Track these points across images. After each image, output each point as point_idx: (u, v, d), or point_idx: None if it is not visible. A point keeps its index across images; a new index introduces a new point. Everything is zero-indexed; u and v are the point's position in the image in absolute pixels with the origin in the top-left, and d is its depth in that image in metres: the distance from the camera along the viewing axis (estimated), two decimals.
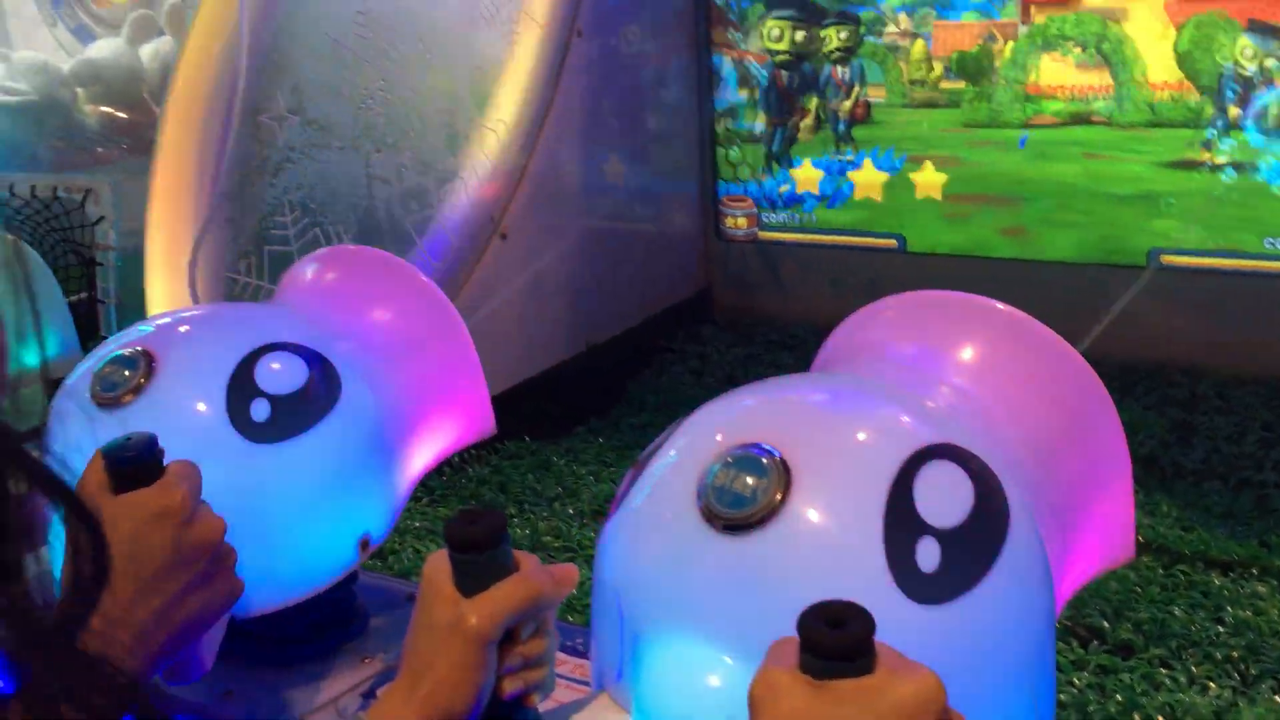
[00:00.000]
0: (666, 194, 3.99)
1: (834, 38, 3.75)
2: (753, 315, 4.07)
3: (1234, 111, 3.24)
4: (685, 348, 3.97)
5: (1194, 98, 3.28)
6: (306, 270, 1.41)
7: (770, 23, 3.82)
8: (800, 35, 3.77)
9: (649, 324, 3.94)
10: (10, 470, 0.51)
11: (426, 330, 1.34)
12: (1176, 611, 2.39)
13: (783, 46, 3.81)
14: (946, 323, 1.03)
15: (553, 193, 3.47)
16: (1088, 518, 0.99)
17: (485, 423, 1.36)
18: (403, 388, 1.32)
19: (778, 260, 4.05)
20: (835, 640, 0.63)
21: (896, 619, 0.77)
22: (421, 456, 1.37)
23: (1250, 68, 3.18)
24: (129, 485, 0.87)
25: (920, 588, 0.79)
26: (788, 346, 3.86)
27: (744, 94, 3.93)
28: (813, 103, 3.84)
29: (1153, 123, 3.34)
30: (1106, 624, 2.35)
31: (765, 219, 4.00)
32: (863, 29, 3.70)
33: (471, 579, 0.85)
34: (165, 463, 0.90)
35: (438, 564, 0.85)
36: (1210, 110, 3.26)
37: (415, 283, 1.34)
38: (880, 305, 1.07)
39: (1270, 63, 3.16)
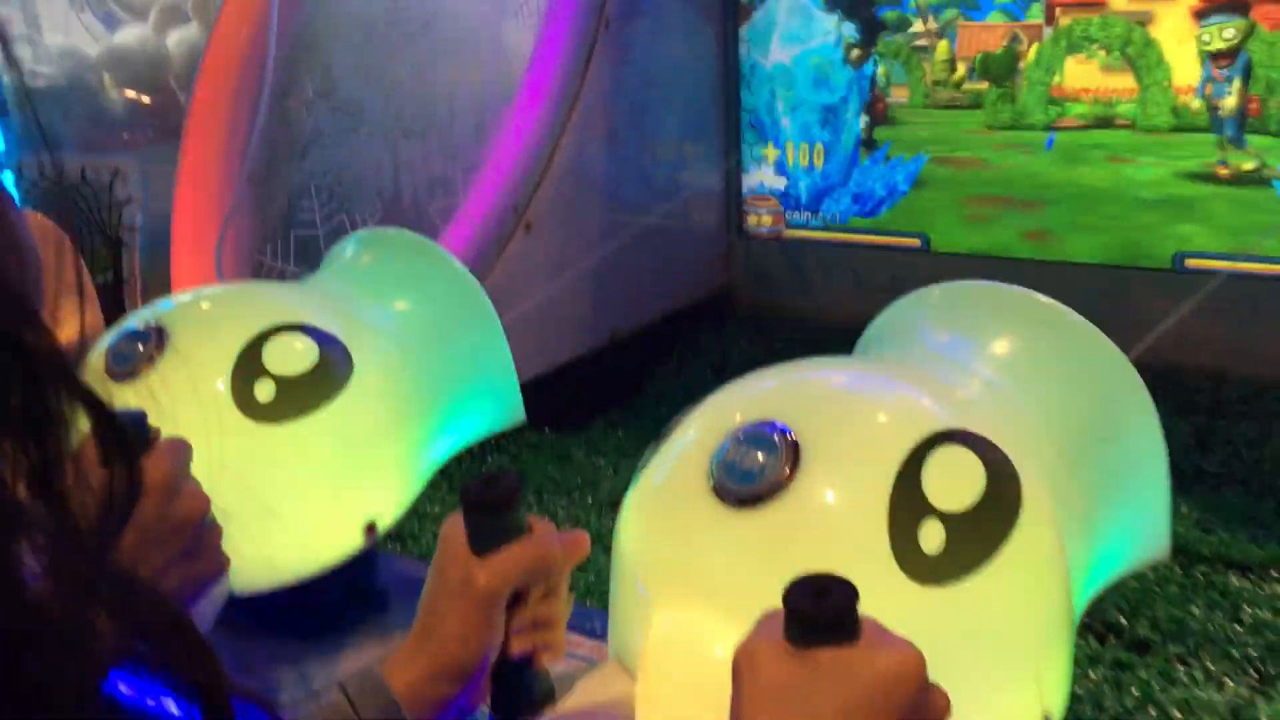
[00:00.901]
0: (690, 189, 3.99)
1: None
2: (774, 313, 4.06)
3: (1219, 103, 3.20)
4: (707, 343, 3.96)
5: None
6: (346, 250, 1.42)
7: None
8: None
9: (671, 318, 3.94)
10: (59, 388, 0.51)
11: (458, 317, 1.34)
12: (1195, 610, 2.37)
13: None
14: (985, 313, 1.04)
15: (578, 185, 3.47)
16: (1118, 515, 0.99)
17: (515, 412, 1.36)
18: (429, 373, 1.32)
19: (800, 258, 4.03)
20: (817, 610, 0.63)
21: (895, 597, 0.78)
22: (445, 443, 1.37)
23: (1215, 48, 3.16)
24: None
25: (921, 568, 0.79)
26: (809, 344, 3.82)
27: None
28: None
29: (1176, 127, 3.30)
30: (1124, 620, 2.34)
31: (791, 218, 3.98)
32: (886, 30, 3.65)
33: (484, 539, 0.87)
34: (163, 438, 0.90)
35: (454, 524, 0.90)
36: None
37: (450, 269, 1.34)
38: (924, 292, 1.08)
39: (1229, 33, 3.12)
